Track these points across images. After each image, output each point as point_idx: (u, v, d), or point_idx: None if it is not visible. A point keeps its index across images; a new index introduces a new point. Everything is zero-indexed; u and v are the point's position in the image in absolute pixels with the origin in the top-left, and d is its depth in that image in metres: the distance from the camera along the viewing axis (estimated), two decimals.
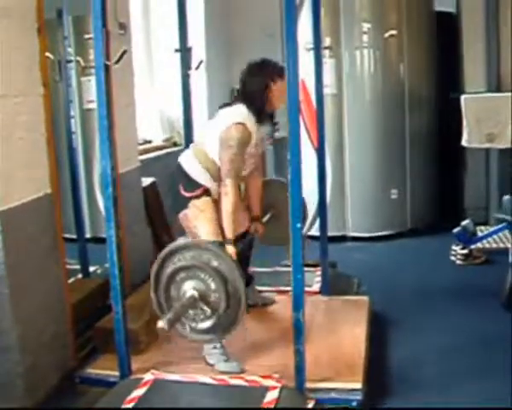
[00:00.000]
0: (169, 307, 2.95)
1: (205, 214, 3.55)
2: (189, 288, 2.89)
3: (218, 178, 3.56)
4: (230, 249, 3.39)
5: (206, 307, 2.89)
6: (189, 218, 3.62)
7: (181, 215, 3.66)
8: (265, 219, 4.11)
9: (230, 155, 3.42)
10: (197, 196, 3.57)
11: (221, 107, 3.71)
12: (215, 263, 2.88)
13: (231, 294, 2.87)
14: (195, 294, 2.87)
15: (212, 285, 2.86)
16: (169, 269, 2.92)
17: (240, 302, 2.89)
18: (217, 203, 3.57)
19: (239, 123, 3.44)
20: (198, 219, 3.56)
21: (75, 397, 3.37)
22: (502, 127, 5.62)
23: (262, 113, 3.57)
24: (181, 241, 2.98)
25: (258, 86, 3.54)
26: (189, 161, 3.64)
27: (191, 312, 2.92)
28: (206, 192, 3.58)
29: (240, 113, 3.51)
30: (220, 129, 3.49)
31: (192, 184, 3.59)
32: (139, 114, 4.92)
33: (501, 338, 3.91)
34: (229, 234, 3.45)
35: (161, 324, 2.78)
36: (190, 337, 3.06)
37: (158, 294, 2.99)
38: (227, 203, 3.44)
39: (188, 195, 3.59)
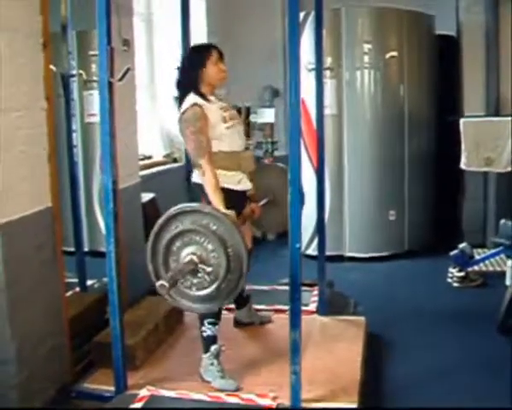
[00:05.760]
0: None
1: None
2: (188, 253, 2.84)
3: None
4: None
5: (207, 270, 2.83)
6: None
7: None
8: (262, 202, 4.09)
9: (190, 135, 3.41)
10: None
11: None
12: (213, 226, 2.83)
13: (232, 257, 2.82)
14: (194, 258, 2.82)
15: (211, 249, 2.82)
16: (167, 235, 2.87)
17: (241, 266, 2.84)
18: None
19: (186, 107, 3.46)
20: None
21: None
22: (500, 151, 5.65)
23: (206, 91, 3.56)
24: (177, 206, 2.91)
25: (190, 73, 3.57)
26: (195, 174, 3.62)
27: (193, 280, 2.87)
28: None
29: (186, 102, 3.50)
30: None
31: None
32: (140, 129, 4.94)
33: (496, 362, 3.93)
34: (220, 207, 3.28)
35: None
36: (192, 308, 3.01)
37: (155, 262, 2.92)
38: (208, 181, 3.37)
39: None
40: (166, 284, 2.73)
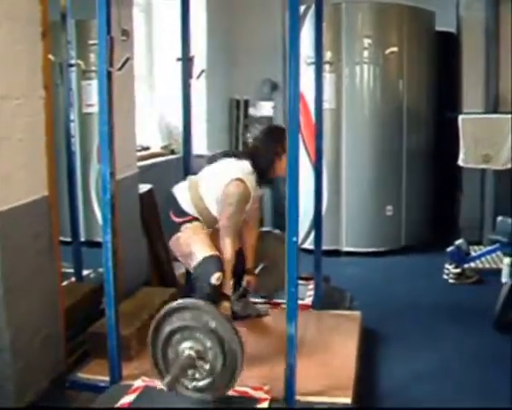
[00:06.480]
0: (166, 367, 2.98)
1: (198, 235, 3.60)
2: (187, 348, 2.91)
3: (205, 221, 3.66)
4: (226, 305, 3.48)
5: (204, 366, 2.91)
6: (181, 242, 3.64)
7: (172, 240, 3.69)
8: (258, 269, 4.16)
9: (229, 213, 3.52)
10: (188, 221, 3.62)
11: (225, 154, 3.79)
12: (212, 324, 2.89)
13: (228, 353, 2.89)
14: (192, 353, 2.89)
15: (209, 346, 2.89)
16: (166, 329, 2.95)
17: (236, 362, 2.91)
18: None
19: (239, 179, 3.52)
20: (191, 239, 3.60)
21: (64, 401, 3.36)
22: (498, 148, 5.66)
23: (265, 176, 3.67)
24: (176, 303, 2.99)
25: (270, 151, 3.64)
26: (182, 194, 3.71)
27: (189, 372, 2.94)
28: (197, 219, 3.63)
29: (242, 169, 3.61)
30: (220, 181, 3.58)
31: (183, 211, 3.66)
32: (138, 120, 4.92)
33: (491, 358, 3.94)
34: (226, 290, 3.50)
35: (161, 386, 2.87)
36: (189, 396, 3.06)
37: (155, 355, 3.01)
38: (225, 259, 3.49)
39: (178, 220, 3.63)
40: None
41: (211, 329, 2.88)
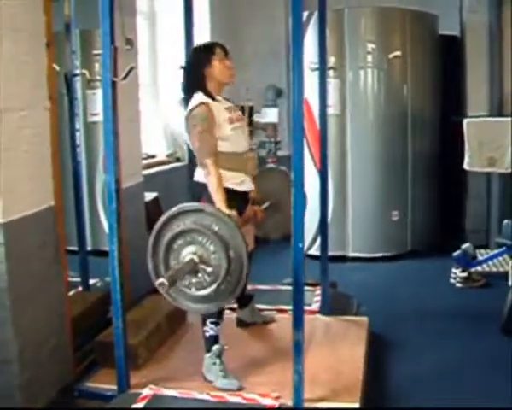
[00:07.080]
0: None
1: None
2: (189, 253, 2.83)
3: None
4: None
5: (207, 270, 2.82)
6: None
7: None
8: (264, 206, 4.06)
9: (197, 133, 3.39)
10: None
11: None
12: (216, 227, 2.82)
13: (232, 259, 2.81)
14: (195, 258, 2.82)
15: (212, 250, 2.81)
16: (169, 234, 2.87)
17: (242, 268, 2.83)
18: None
19: (198, 104, 3.44)
20: None
21: None
22: (503, 152, 5.63)
23: (212, 92, 3.55)
24: (177, 207, 2.89)
25: (199, 68, 3.56)
26: (198, 173, 3.60)
27: (192, 279, 2.86)
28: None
29: (193, 100, 3.49)
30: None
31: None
32: (143, 128, 4.94)
33: (499, 362, 3.92)
34: (222, 207, 3.26)
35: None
36: (190, 307, 3.01)
37: (156, 260, 2.92)
38: (212, 182, 3.35)
39: None
40: (166, 282, 2.72)
41: (214, 232, 2.81)
